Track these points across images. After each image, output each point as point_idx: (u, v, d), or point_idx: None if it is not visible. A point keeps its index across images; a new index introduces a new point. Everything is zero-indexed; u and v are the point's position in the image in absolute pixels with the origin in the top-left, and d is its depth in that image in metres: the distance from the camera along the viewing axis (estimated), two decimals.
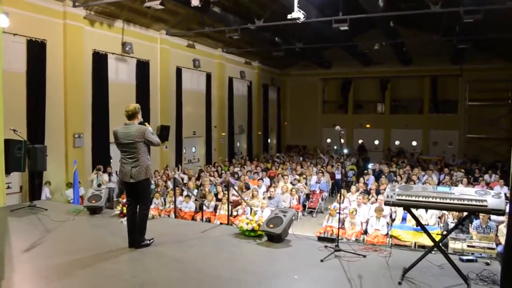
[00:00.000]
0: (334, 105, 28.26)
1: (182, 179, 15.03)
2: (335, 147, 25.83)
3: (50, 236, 6.34)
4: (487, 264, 5.22)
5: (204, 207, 11.54)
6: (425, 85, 24.84)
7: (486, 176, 14.87)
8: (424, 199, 4.57)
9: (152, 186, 12.23)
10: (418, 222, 5.02)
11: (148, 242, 5.81)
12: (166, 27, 16.14)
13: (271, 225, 6.00)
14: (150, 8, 12.26)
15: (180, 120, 17.61)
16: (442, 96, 24.81)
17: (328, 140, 27.71)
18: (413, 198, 4.60)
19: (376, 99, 26.69)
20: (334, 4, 13.75)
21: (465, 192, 4.61)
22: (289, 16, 10.18)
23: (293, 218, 6.27)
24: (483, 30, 15.72)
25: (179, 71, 17.42)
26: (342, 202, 11.10)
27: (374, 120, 25.94)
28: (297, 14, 10.09)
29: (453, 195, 4.55)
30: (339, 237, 5.84)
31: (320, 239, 6.11)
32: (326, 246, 5.78)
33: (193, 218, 11.16)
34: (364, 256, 5.45)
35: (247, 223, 6.27)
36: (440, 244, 8.63)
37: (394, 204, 4.67)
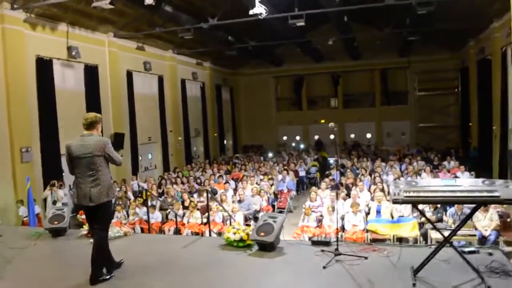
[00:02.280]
0: (288, 102, 28.26)
1: (142, 188, 14.30)
2: (293, 144, 25.79)
3: (12, 269, 5.54)
4: (490, 254, 5.09)
5: (171, 216, 10.97)
6: (375, 78, 25.36)
7: (445, 163, 15.23)
8: (433, 194, 4.33)
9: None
10: (427, 219, 4.77)
11: (107, 277, 4.97)
12: (113, 29, 15.25)
13: (262, 233, 5.59)
14: (96, 9, 11.43)
15: (134, 126, 16.81)
16: (392, 88, 25.42)
17: (284, 138, 27.66)
18: (422, 194, 4.36)
19: (329, 94, 26.94)
20: (288, 0, 13.55)
21: (472, 184, 4.42)
22: (250, 12, 9.81)
23: (283, 223, 5.88)
24: (430, 21, 16.11)
25: (129, 75, 16.61)
26: (315, 200, 10.88)
27: (328, 115, 26.10)
28: (259, 9, 9.72)
29: (461, 187, 4.35)
30: (339, 239, 5.51)
31: (315, 243, 5.78)
32: (323, 251, 5.45)
33: (161, 230, 10.54)
34: (366, 258, 5.16)
35: (234, 233, 5.82)
36: (422, 236, 8.62)
37: (404, 202, 4.40)
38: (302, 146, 25.79)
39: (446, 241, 4.59)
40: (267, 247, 5.57)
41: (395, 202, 4.38)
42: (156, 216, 10.98)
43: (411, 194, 4.37)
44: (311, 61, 24.43)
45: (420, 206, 9.29)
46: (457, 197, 4.29)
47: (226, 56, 20.47)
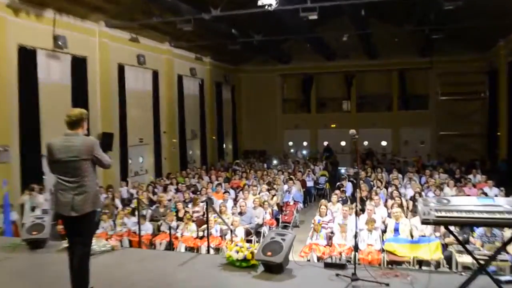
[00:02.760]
0: (295, 104, 28.15)
1: (132, 195, 14.20)
2: (304, 152, 25.65)
3: None
4: None
5: (163, 228, 10.87)
6: (393, 79, 25.28)
7: (470, 177, 15.08)
8: (469, 215, 4.18)
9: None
10: (459, 242, 4.62)
11: None
12: (105, 18, 15.17)
13: (269, 253, 5.44)
14: None
15: (125, 126, 16.72)
16: (411, 91, 25.32)
17: (290, 143, 27.57)
18: (456, 215, 4.21)
19: (341, 96, 26.84)
20: None
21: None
22: (259, 3, 9.70)
23: (293, 241, 5.73)
24: (457, 18, 16.01)
25: (121, 69, 16.52)
26: (325, 215, 10.74)
27: (339, 119, 26.04)
28: (269, 0, 9.60)
29: (502, 207, 4.20)
30: (356, 262, 5.36)
31: (328, 265, 5.64)
32: (338, 275, 5.30)
33: (151, 243, 10.42)
34: (387, 285, 5.01)
35: (237, 251, 5.68)
36: (446, 259, 8.46)
37: (435, 223, 4.26)
38: (304, 152, 25.66)
39: (482, 269, 4.43)
40: (274, 269, 5.44)
41: (425, 223, 4.24)
42: (147, 228, 10.89)
43: (443, 214, 4.23)
44: (322, 59, 24.35)
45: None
46: (498, 220, 4.14)
47: (228, 51, 20.38)
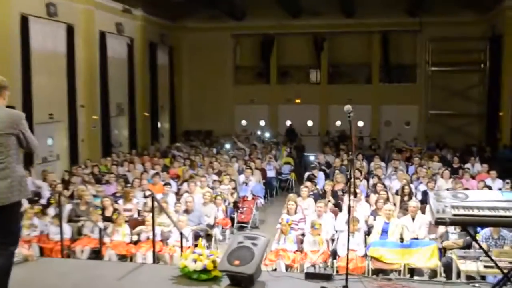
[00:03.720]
0: (251, 73, 28.07)
1: (39, 188, 13.85)
2: (259, 132, 25.69)
3: None
4: None
5: (86, 231, 10.80)
6: (374, 44, 25.56)
7: (468, 166, 15.61)
8: (493, 213, 4.29)
9: None
10: (482, 249, 4.73)
11: None
12: None
13: (237, 261, 5.44)
14: None
15: (29, 98, 16.22)
16: (396, 60, 25.71)
17: (244, 122, 27.62)
18: (477, 212, 4.31)
19: (308, 64, 26.93)
20: None
21: None
22: None
23: (266, 247, 5.74)
24: None
25: (24, 22, 15.92)
26: (295, 213, 10.86)
27: (306, 93, 26.22)
28: None
29: None
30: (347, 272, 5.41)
31: (310, 276, 5.69)
32: None
33: (69, 249, 10.25)
34: None
35: (194, 260, 5.63)
36: (445, 266, 8.74)
37: (453, 223, 4.36)
38: (267, 135, 25.82)
39: (506, 278, 4.57)
40: (244, 282, 5.46)
41: (439, 222, 4.32)
42: (63, 231, 10.63)
43: (462, 211, 4.32)
44: (286, 16, 24.39)
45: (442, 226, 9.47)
46: None
47: (166, 2, 20.01)
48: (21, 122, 4.94)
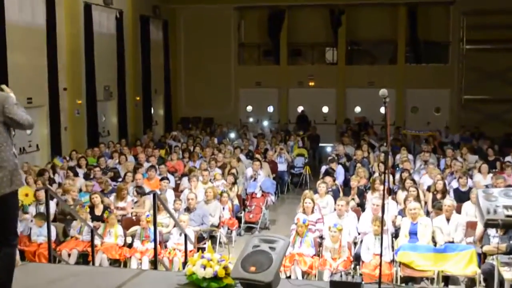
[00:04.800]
0: (257, 52, 28.05)
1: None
2: (265, 122, 25.67)
3: None
4: None
5: (74, 232, 10.99)
6: (400, 19, 25.43)
7: (509, 159, 15.55)
8: None
9: None
10: None
11: None
12: None
13: (252, 267, 5.44)
14: None
15: (4, 79, 16.16)
16: (425, 36, 25.50)
17: (249, 108, 27.63)
18: None
19: (323, 41, 26.88)
20: None
21: None
22: None
23: (286, 251, 5.76)
24: None
25: None
26: (312, 212, 10.86)
27: (321, 75, 26.18)
28: None
29: None
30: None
31: (335, 285, 5.68)
32: None
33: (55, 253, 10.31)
34: None
35: (204, 265, 5.64)
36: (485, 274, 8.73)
37: (506, 225, 4.33)
38: (265, 123, 25.75)
39: None
40: None
41: (490, 225, 4.32)
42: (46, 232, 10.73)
43: None
44: None
45: (481, 229, 9.47)
46: None
47: None
48: (6, 104, 5.08)
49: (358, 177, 13.64)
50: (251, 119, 26.98)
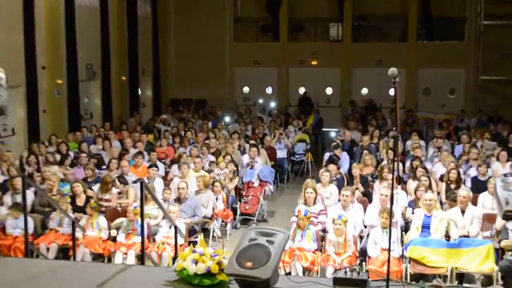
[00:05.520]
0: (255, 27, 28.16)
1: None
2: (260, 101, 25.65)
3: None
4: None
5: (53, 225, 10.94)
6: None
7: None
8: None
9: None
10: None
11: None
12: None
13: (248, 263, 5.40)
14: None
15: None
16: (439, 11, 25.58)
17: (246, 89, 27.65)
18: None
19: (327, 16, 26.96)
20: None
21: None
22: None
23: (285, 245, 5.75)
24: None
25: None
26: (314, 203, 10.87)
27: (324, 53, 26.16)
28: None
29: None
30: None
31: (339, 282, 5.66)
32: None
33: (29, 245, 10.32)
34: None
35: (195, 260, 5.61)
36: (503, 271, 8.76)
37: None
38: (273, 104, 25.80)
39: None
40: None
41: (509, 216, 4.29)
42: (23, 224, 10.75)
43: None
44: None
45: (501, 222, 9.47)
46: None
47: None
48: None
49: (361, 164, 13.66)
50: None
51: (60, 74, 19.72)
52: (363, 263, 9.69)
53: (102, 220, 10.65)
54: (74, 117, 20.29)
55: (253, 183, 13.93)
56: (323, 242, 10.02)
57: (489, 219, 10.26)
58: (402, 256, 9.64)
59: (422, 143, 16.64)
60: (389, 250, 6.03)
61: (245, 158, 14.97)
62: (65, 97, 20.00)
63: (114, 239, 10.61)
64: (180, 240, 9.98)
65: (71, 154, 15.46)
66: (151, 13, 26.35)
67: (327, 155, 15.61)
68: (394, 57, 24.75)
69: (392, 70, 5.34)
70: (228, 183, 13.48)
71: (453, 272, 9.37)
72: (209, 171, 13.84)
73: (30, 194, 11.54)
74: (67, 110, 20.11)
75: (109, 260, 10.25)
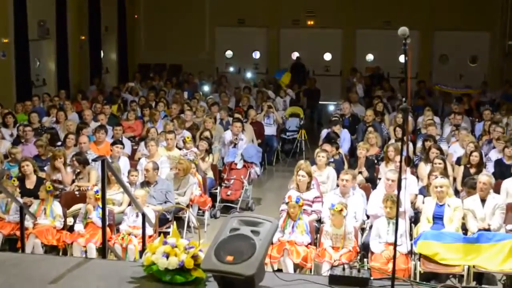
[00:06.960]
0: None
1: None
2: (246, 71, 25.69)
3: None
4: None
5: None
6: None
7: None
8: None
9: None
10: None
11: None
12: None
13: (229, 257, 5.42)
14: None
15: None
16: None
17: (228, 53, 27.71)
18: None
19: None
20: None
21: None
22: None
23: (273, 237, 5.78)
24: None
25: None
26: (308, 188, 10.91)
27: (322, 11, 26.20)
28: None
29: None
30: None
31: (336, 280, 5.71)
32: None
33: None
34: None
35: (166, 254, 5.62)
36: None
37: None
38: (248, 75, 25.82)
39: None
40: (240, 287, 5.49)
41: None
42: None
43: None
44: None
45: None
46: None
47: None
48: None
49: (368, 144, 13.70)
50: (231, 69, 26.93)
51: (5, 32, 19.79)
52: (365, 259, 9.71)
53: (56, 206, 10.55)
54: (23, 83, 20.39)
55: (236, 164, 13.89)
56: (318, 235, 10.07)
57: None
58: (411, 252, 9.71)
59: (437, 119, 16.71)
60: (395, 244, 6.03)
61: (227, 135, 14.93)
62: (12, 59, 20.06)
63: (70, 229, 10.59)
64: (149, 231, 9.96)
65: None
66: None
67: (324, 133, 15.65)
68: (405, 17, 24.82)
69: (403, 29, 5.33)
70: (200, 163, 13.32)
71: (470, 272, 9.39)
72: (180, 148, 13.93)
73: None
74: (14, 75, 20.19)
75: (65, 253, 10.28)
